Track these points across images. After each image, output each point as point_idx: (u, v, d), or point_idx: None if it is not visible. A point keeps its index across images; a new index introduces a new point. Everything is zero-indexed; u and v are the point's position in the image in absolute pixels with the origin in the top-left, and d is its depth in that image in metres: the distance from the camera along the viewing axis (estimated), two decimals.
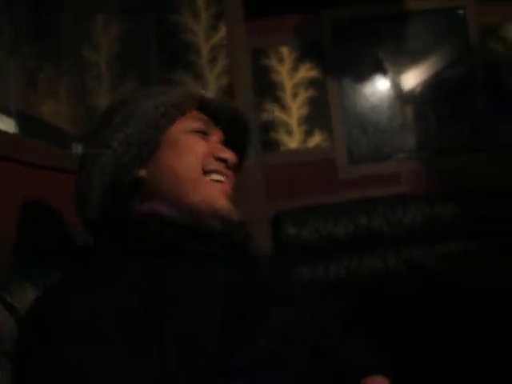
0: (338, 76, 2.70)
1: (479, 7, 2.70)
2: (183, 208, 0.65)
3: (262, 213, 2.05)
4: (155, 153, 0.67)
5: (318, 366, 0.65)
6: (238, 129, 0.79)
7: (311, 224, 2.36)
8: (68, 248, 0.91)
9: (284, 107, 2.68)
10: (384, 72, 2.73)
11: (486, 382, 1.20)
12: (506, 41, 2.73)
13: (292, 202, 2.56)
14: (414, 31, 2.74)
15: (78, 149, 1.39)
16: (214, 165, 0.69)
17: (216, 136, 0.73)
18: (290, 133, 2.69)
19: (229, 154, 0.70)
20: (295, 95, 2.69)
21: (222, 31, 2.01)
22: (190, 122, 0.70)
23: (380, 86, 2.74)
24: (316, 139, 2.69)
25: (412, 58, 2.73)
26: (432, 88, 2.73)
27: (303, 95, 2.69)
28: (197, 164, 0.67)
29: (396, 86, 2.74)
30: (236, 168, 0.74)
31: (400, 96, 2.73)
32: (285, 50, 2.69)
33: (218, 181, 0.69)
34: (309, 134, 2.69)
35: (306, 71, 2.69)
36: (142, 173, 0.67)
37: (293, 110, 2.69)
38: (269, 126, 2.67)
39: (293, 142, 2.69)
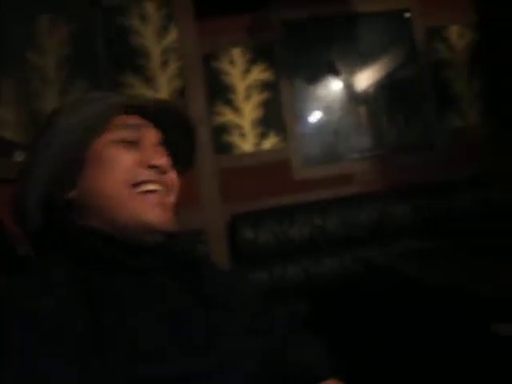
0: (290, 77, 2.70)
1: (425, 10, 2.78)
2: (115, 225, 0.64)
3: (217, 216, 2.02)
4: (82, 171, 0.65)
5: (266, 374, 0.64)
6: (179, 127, 0.74)
7: (267, 226, 2.36)
8: (7, 257, 0.85)
9: (237, 110, 2.64)
10: (336, 73, 2.75)
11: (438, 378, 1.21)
12: (449, 41, 2.83)
13: (247, 205, 2.53)
14: (365, 33, 2.78)
15: (22, 157, 1.29)
16: (144, 175, 0.65)
17: (149, 139, 0.68)
18: (243, 135, 2.64)
19: (160, 160, 0.66)
20: (248, 97, 2.65)
21: (174, 33, 1.96)
22: (117, 132, 0.66)
23: (333, 87, 2.76)
24: (270, 141, 2.67)
25: (364, 59, 2.78)
26: (384, 88, 2.78)
27: (256, 97, 2.66)
28: (122, 178, 0.64)
29: (348, 86, 2.77)
30: (182, 169, 0.72)
31: (353, 97, 2.76)
32: (237, 52, 2.65)
33: (150, 191, 0.66)
34: (263, 136, 2.67)
35: (259, 73, 2.67)
36: (73, 194, 0.65)
37: (246, 113, 2.65)
38: (222, 129, 2.62)
39: (246, 145, 2.64)
